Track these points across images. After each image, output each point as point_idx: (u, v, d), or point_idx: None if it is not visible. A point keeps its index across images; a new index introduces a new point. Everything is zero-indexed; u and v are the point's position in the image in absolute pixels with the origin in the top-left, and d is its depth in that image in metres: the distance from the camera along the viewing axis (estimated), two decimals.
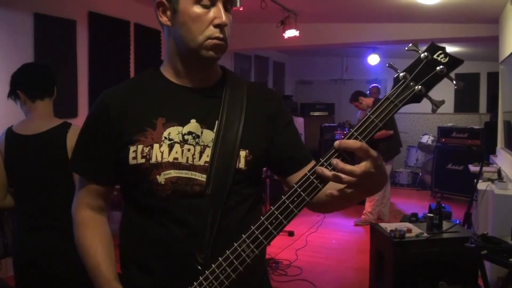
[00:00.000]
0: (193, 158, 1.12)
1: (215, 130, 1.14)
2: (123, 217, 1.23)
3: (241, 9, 4.15)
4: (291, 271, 4.15)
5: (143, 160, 1.11)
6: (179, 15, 1.10)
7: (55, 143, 1.98)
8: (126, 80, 1.26)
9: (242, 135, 1.14)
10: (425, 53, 0.97)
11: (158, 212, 1.12)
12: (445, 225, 3.35)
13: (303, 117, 8.33)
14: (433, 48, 0.97)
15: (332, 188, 0.99)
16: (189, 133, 1.13)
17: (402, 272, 3.08)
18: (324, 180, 0.97)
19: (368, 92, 6.74)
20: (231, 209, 1.13)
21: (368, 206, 5.66)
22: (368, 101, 5.94)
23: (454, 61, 0.96)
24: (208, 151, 1.12)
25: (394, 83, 0.98)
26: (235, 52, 7.59)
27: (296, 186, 0.99)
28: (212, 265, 1.03)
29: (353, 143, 0.95)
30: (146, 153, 1.11)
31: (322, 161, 0.98)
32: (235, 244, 1.02)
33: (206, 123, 1.14)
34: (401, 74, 0.97)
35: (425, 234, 3.22)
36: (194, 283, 1.03)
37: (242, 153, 1.14)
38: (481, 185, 3.98)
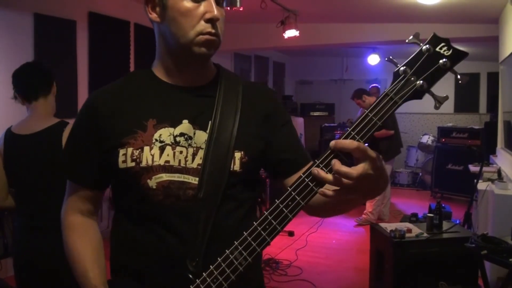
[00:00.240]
0: (186, 161, 1.07)
1: (208, 131, 1.09)
2: (114, 222, 1.19)
3: (241, 9, 4.15)
4: (291, 271, 4.15)
5: (133, 164, 1.06)
6: (168, 11, 1.06)
7: (51, 143, 1.98)
8: (116, 80, 1.21)
9: (237, 135, 1.09)
10: (427, 46, 0.90)
11: (149, 218, 1.07)
12: (445, 225, 3.35)
13: (303, 117, 8.34)
14: (436, 40, 0.91)
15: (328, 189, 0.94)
16: (181, 134, 1.08)
17: (402, 272, 3.08)
18: (319, 182, 0.92)
19: None
20: (225, 214, 1.08)
21: (369, 206, 5.66)
22: (371, 99, 5.92)
23: (458, 53, 0.89)
24: (201, 153, 1.07)
25: (393, 78, 0.92)
26: (235, 52, 7.59)
27: (290, 189, 0.94)
28: (203, 273, 0.99)
29: (349, 143, 0.89)
30: (136, 156, 1.06)
31: (318, 162, 0.93)
32: (227, 251, 0.97)
33: (199, 124, 1.10)
34: (401, 69, 0.91)
35: (425, 234, 3.22)
36: None
37: (237, 155, 1.09)
38: (481, 185, 3.98)
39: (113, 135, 1.08)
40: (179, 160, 1.07)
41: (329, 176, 0.90)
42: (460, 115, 8.75)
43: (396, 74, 0.91)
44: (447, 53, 0.90)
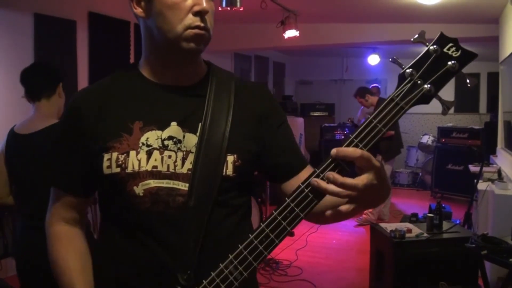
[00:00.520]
0: (175, 166, 1.00)
1: (198, 133, 1.01)
2: (100, 230, 1.13)
3: (241, 9, 4.15)
4: (291, 271, 4.15)
5: (118, 169, 0.99)
6: (154, 5, 0.98)
7: (49, 142, 1.99)
8: (100, 80, 1.14)
9: (230, 137, 1.02)
10: (434, 46, 0.83)
11: (136, 227, 1.01)
12: (445, 225, 3.35)
13: (303, 117, 8.32)
14: (443, 39, 0.84)
15: (329, 200, 0.88)
16: (170, 137, 1.01)
17: (402, 272, 3.08)
18: (320, 194, 0.86)
19: None
20: (218, 222, 1.02)
21: None
22: (374, 99, 5.91)
23: (467, 54, 0.83)
24: (191, 158, 1.00)
25: (399, 81, 0.85)
26: (235, 52, 7.59)
27: (288, 200, 0.88)
28: None
29: (353, 151, 0.83)
30: (122, 161, 0.99)
31: (318, 171, 0.86)
32: (221, 265, 0.91)
33: (188, 126, 1.02)
34: (408, 71, 0.84)
35: (425, 234, 3.22)
36: None
37: (230, 158, 1.02)
38: (481, 185, 3.98)
39: (97, 139, 1.01)
40: (168, 165, 1.00)
41: (330, 187, 0.84)
42: (460, 115, 8.75)
43: (402, 77, 0.85)
44: (455, 54, 0.83)
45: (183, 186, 0.99)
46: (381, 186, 0.85)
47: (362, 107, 6.42)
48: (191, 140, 1.02)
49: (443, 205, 3.80)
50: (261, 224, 0.89)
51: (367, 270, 3.64)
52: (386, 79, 8.94)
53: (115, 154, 0.99)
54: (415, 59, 0.85)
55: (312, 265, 4.33)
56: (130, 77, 1.09)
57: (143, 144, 1.00)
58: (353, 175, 0.85)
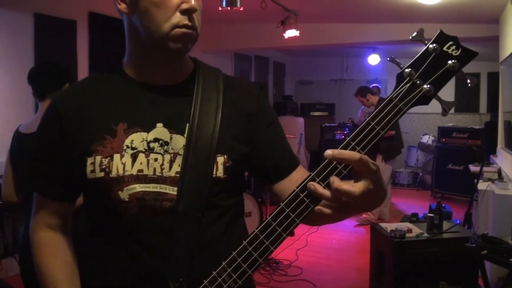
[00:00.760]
0: (162, 169, 0.95)
1: (186, 134, 0.97)
2: (88, 238, 1.07)
3: (241, 9, 4.15)
4: (291, 271, 4.15)
5: (102, 174, 0.94)
6: (139, 1, 0.94)
7: None
8: (82, 79, 1.09)
9: (219, 138, 0.98)
10: (434, 45, 0.80)
11: (123, 234, 0.96)
12: (446, 225, 3.35)
13: (303, 117, 8.33)
14: (443, 38, 0.81)
15: (324, 203, 0.85)
16: (156, 139, 0.97)
17: (402, 272, 3.08)
18: (316, 198, 0.83)
19: None
20: (209, 226, 0.98)
21: None
22: (374, 99, 5.91)
23: (467, 53, 0.80)
24: (179, 160, 0.96)
25: (397, 81, 0.82)
26: (235, 52, 7.59)
27: (283, 205, 0.84)
28: None
29: (351, 155, 0.79)
30: (105, 165, 0.94)
31: (313, 175, 0.82)
32: (214, 273, 0.87)
33: (175, 127, 0.98)
34: (406, 71, 0.81)
35: (425, 234, 3.21)
36: None
37: (220, 159, 0.98)
38: (482, 185, 3.98)
39: (80, 142, 0.97)
40: (154, 169, 0.95)
41: (327, 192, 0.81)
42: (460, 115, 8.75)
43: (400, 77, 0.82)
44: (455, 53, 0.80)
45: (171, 190, 0.95)
46: (378, 190, 0.83)
47: (363, 107, 6.42)
48: (179, 141, 0.97)
49: (443, 205, 3.80)
50: (255, 230, 0.86)
51: (367, 270, 3.64)
52: (386, 79, 8.94)
53: (98, 158, 0.95)
54: (414, 58, 0.82)
55: (312, 265, 4.33)
56: (113, 76, 1.04)
57: (127, 147, 0.96)
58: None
